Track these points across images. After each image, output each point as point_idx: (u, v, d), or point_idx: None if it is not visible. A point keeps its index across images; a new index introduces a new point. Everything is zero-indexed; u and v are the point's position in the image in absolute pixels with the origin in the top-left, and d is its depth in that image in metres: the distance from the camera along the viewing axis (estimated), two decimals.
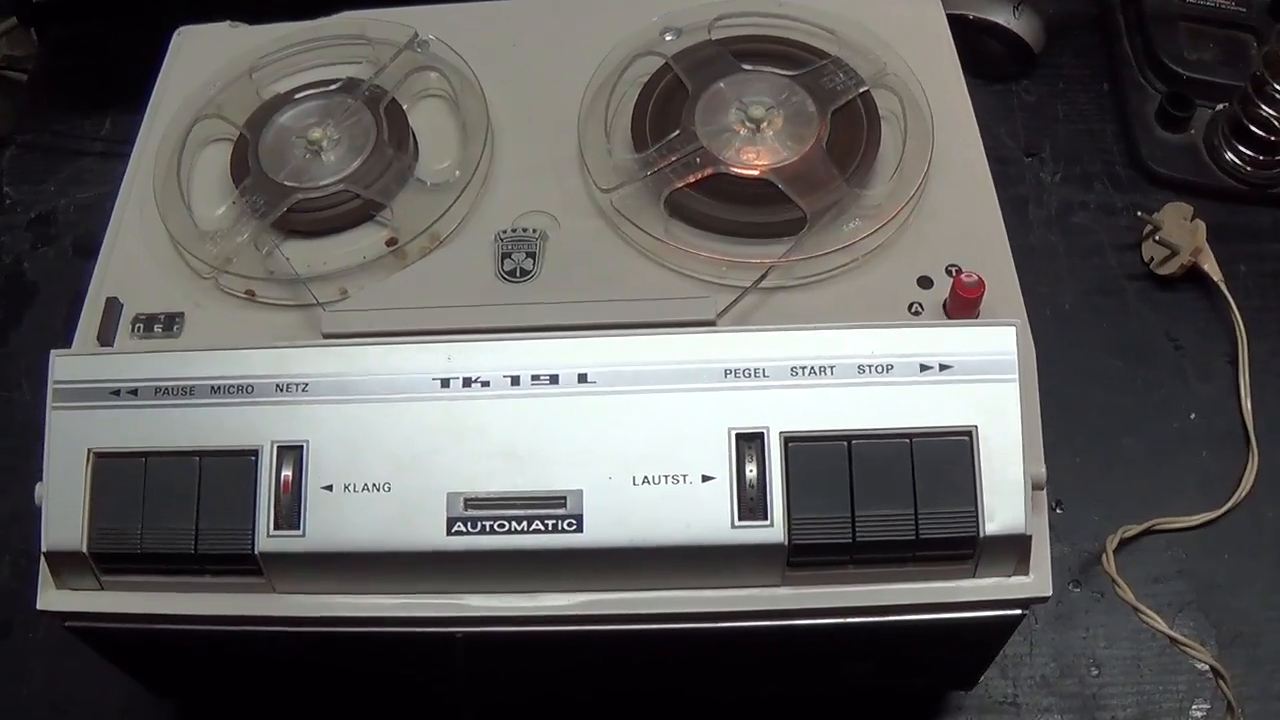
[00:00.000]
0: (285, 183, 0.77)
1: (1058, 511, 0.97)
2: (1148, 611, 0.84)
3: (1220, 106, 1.13)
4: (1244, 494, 0.98)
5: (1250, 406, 1.02)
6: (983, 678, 0.86)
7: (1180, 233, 1.05)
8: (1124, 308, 1.08)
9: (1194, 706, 0.92)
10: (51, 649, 0.93)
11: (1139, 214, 1.08)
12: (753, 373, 0.68)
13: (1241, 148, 1.11)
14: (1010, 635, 0.75)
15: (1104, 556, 0.89)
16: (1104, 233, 1.11)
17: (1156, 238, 1.06)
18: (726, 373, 0.68)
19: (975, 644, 0.77)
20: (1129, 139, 1.15)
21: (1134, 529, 0.96)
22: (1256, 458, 0.99)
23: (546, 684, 0.84)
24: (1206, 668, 0.85)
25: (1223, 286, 1.04)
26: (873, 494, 0.66)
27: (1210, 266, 1.05)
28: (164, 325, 0.75)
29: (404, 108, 0.83)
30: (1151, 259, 1.08)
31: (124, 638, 0.73)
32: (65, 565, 0.69)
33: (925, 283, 0.75)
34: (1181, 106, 1.13)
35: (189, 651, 0.77)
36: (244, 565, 0.67)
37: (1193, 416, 1.03)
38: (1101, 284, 1.09)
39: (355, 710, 0.91)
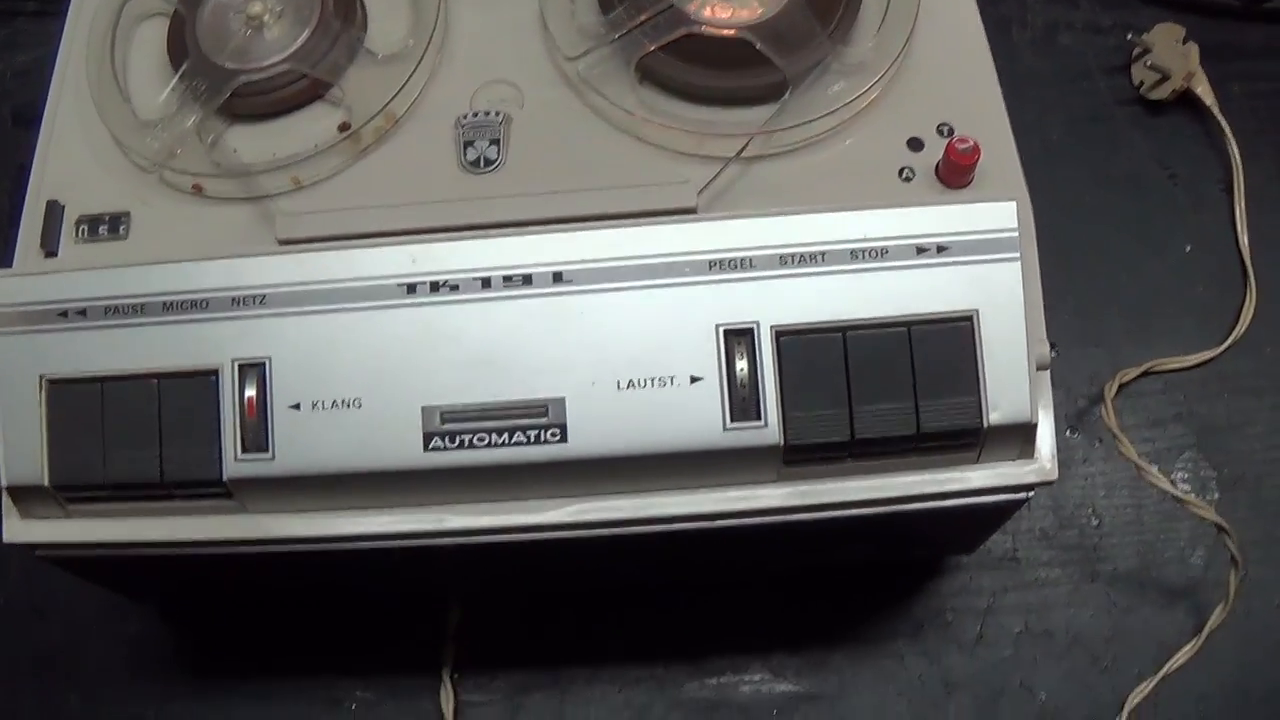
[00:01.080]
0: (227, 65, 0.71)
1: (1052, 355, 0.94)
2: (1149, 468, 0.82)
3: None
4: (1242, 331, 0.96)
5: (1247, 239, 0.99)
6: None
7: (1172, 56, 1.01)
8: (1114, 136, 1.03)
9: (1196, 554, 0.90)
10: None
11: (1129, 35, 1.03)
12: (739, 263, 0.64)
13: None
14: (1013, 515, 0.72)
15: (1103, 408, 0.86)
16: (1091, 55, 1.06)
17: (1147, 62, 1.01)
18: (711, 265, 0.64)
19: (978, 524, 0.75)
20: None
21: (1132, 372, 0.93)
22: (1254, 291, 0.97)
23: (540, 581, 0.82)
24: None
25: (1216, 111, 1.00)
26: (871, 387, 0.63)
27: (1203, 90, 1.01)
28: (109, 227, 0.70)
29: None
30: (1142, 83, 1.03)
31: (96, 562, 0.70)
32: (28, 498, 0.66)
33: (916, 145, 0.70)
34: None
35: (163, 572, 0.74)
36: (213, 490, 0.65)
37: (1188, 249, 1.00)
38: (1090, 111, 1.04)
39: (339, 599, 0.89)
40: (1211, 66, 1.02)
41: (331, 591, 0.84)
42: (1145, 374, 0.94)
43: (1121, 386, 0.92)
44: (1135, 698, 0.86)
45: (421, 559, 0.70)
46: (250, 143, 0.72)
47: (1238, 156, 0.99)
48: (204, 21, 0.73)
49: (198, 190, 0.71)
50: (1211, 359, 0.95)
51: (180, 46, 0.73)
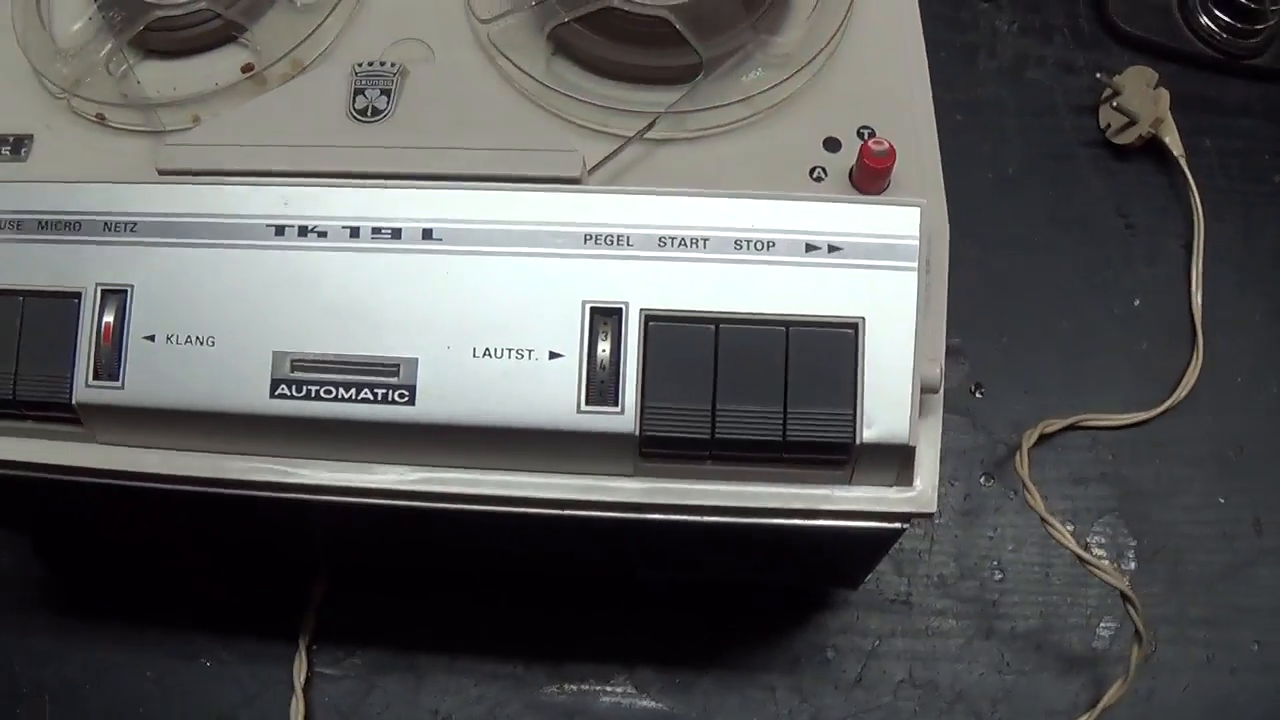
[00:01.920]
0: None
1: (977, 396, 0.91)
2: (1057, 525, 0.79)
3: None
4: (1184, 394, 0.93)
5: (1200, 299, 0.96)
6: (875, 571, 0.81)
7: (1141, 99, 0.98)
8: (1074, 176, 1.00)
9: (1102, 624, 0.87)
10: None
11: (1099, 75, 1.00)
12: (616, 240, 0.61)
13: (1219, 12, 1.03)
14: (891, 546, 0.70)
15: (1017, 455, 0.83)
16: (1059, 91, 1.03)
17: (1115, 103, 0.99)
18: (587, 238, 0.61)
19: (853, 553, 0.72)
20: None
21: (1057, 424, 0.90)
22: (1201, 355, 0.94)
23: (396, 551, 0.80)
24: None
25: (1183, 162, 0.98)
26: (738, 386, 0.60)
27: (1171, 139, 0.98)
28: (11, 148, 0.70)
29: None
30: (1109, 125, 1.00)
31: None
32: None
33: (832, 145, 0.67)
34: None
35: (19, 496, 0.73)
36: (62, 414, 0.63)
37: (1136, 303, 0.97)
38: (1051, 148, 1.01)
39: (208, 555, 0.87)
40: (1185, 118, 0.99)
41: (190, 541, 0.83)
42: (1072, 427, 0.91)
43: (1045, 437, 0.89)
44: None
45: (269, 513, 0.68)
46: (158, 78, 0.71)
47: (1201, 213, 0.96)
48: None
49: (101, 119, 0.70)
50: (1146, 420, 0.92)
51: None
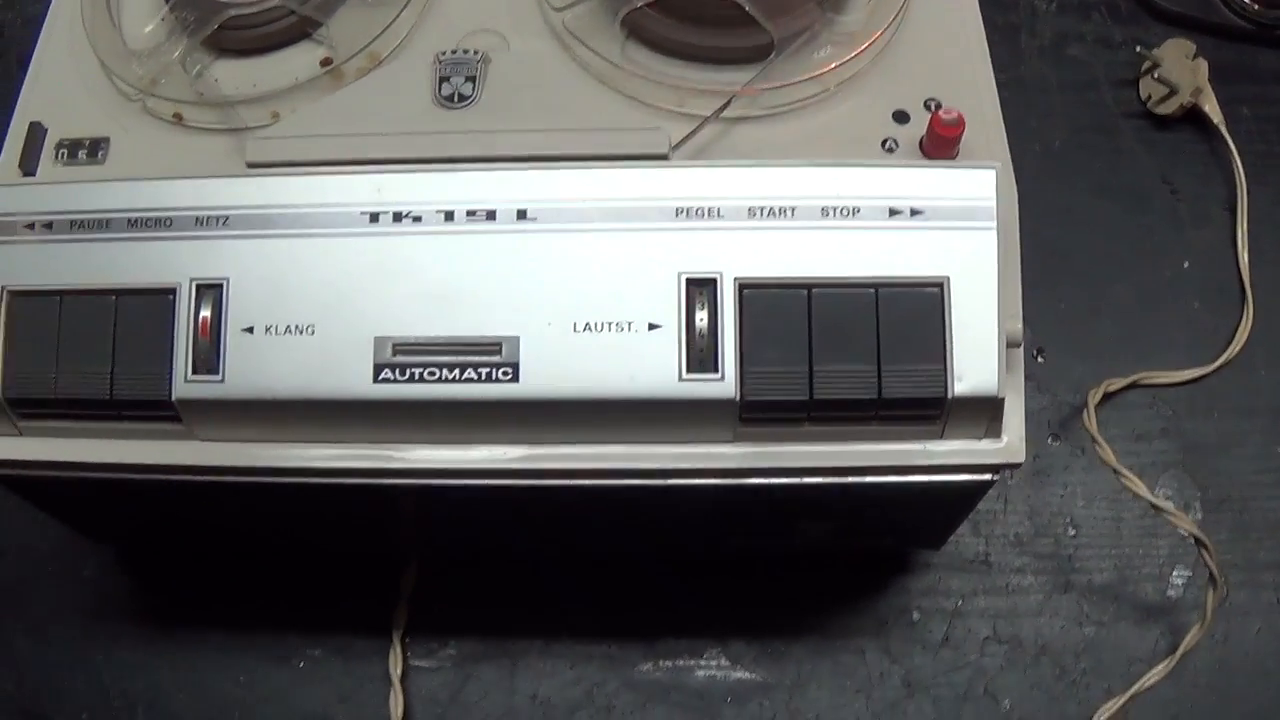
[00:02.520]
0: None
1: (1039, 360, 0.93)
2: (1129, 474, 0.80)
3: None
4: (1237, 350, 0.94)
5: (1247, 258, 0.97)
6: (954, 534, 0.82)
7: (1181, 70, 0.99)
8: (1118, 147, 1.02)
9: (1174, 573, 0.88)
10: None
11: (1138, 49, 1.02)
12: (706, 212, 0.63)
13: None
14: (979, 500, 0.71)
15: (1085, 412, 0.84)
16: (1100, 67, 1.05)
17: (1155, 75, 1.00)
18: (678, 212, 0.63)
19: (942, 507, 0.73)
20: None
21: (1118, 382, 0.91)
22: (1251, 311, 0.95)
23: (493, 533, 0.81)
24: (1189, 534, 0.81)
25: (1223, 129, 0.99)
26: (833, 348, 0.61)
27: (1211, 108, 0.99)
28: (89, 151, 0.70)
29: None
30: (1149, 97, 1.02)
31: (46, 485, 0.69)
32: None
33: (901, 117, 0.69)
34: None
35: (114, 500, 0.73)
36: (161, 411, 0.63)
37: (1186, 265, 0.98)
38: (1095, 121, 1.03)
39: (295, 553, 0.88)
40: (1222, 88, 1.01)
41: (285, 537, 0.83)
42: (1132, 386, 0.92)
43: (1107, 396, 0.90)
44: (1103, 714, 0.84)
45: (372, 500, 0.69)
46: (234, 76, 0.71)
47: (1243, 176, 0.98)
48: None
49: (178, 119, 0.70)
50: (1203, 376, 0.94)
51: None
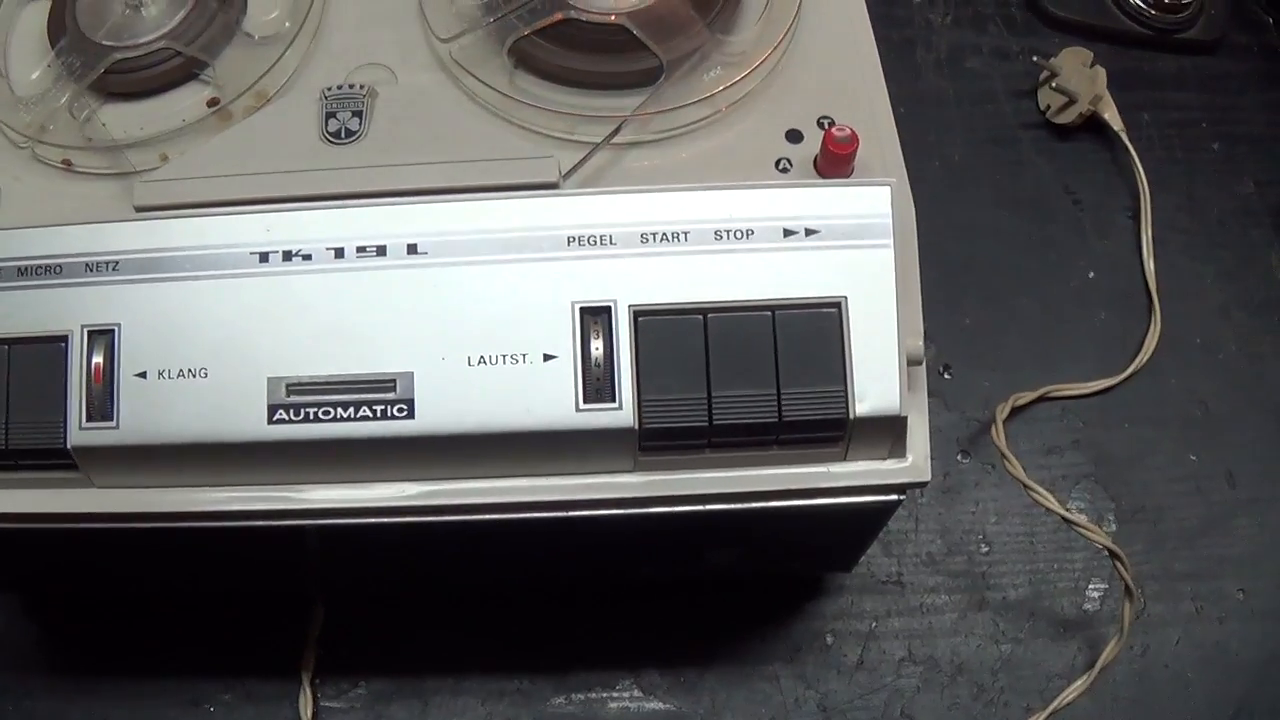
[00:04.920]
0: (103, 41, 0.70)
1: (946, 377, 0.93)
2: (1039, 490, 0.80)
3: None
4: (1146, 358, 0.95)
5: (1153, 265, 0.98)
6: (865, 555, 0.82)
7: (1079, 79, 1.00)
8: (1018, 159, 1.02)
9: (1090, 586, 0.88)
10: None
11: (1035, 59, 1.02)
12: (598, 240, 0.62)
13: None
14: (888, 520, 0.71)
15: (993, 428, 0.84)
16: (998, 79, 1.06)
17: (1054, 85, 1.01)
18: (570, 240, 0.62)
19: (851, 529, 0.73)
20: None
21: (1026, 396, 0.92)
22: (1159, 319, 0.96)
23: (398, 571, 0.80)
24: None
25: (1124, 137, 1.00)
26: (731, 372, 0.61)
27: (1111, 115, 1.00)
28: None
29: None
30: (1048, 107, 1.02)
31: None
32: None
33: (794, 137, 0.69)
34: None
35: (14, 551, 0.72)
36: (57, 459, 0.62)
37: (1091, 275, 0.99)
38: (995, 133, 1.04)
39: (202, 596, 0.87)
40: (1121, 95, 1.01)
41: (190, 581, 0.82)
42: (1042, 399, 0.92)
43: (1016, 410, 0.91)
44: None
45: (274, 542, 0.68)
46: (122, 120, 0.70)
47: (1145, 183, 0.99)
48: (84, 1, 0.72)
49: (68, 165, 0.69)
50: (1112, 387, 0.94)
51: (59, 24, 0.72)
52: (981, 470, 0.91)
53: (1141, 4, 1.05)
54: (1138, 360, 0.95)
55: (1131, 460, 0.93)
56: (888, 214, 0.63)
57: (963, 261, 0.95)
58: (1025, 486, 0.80)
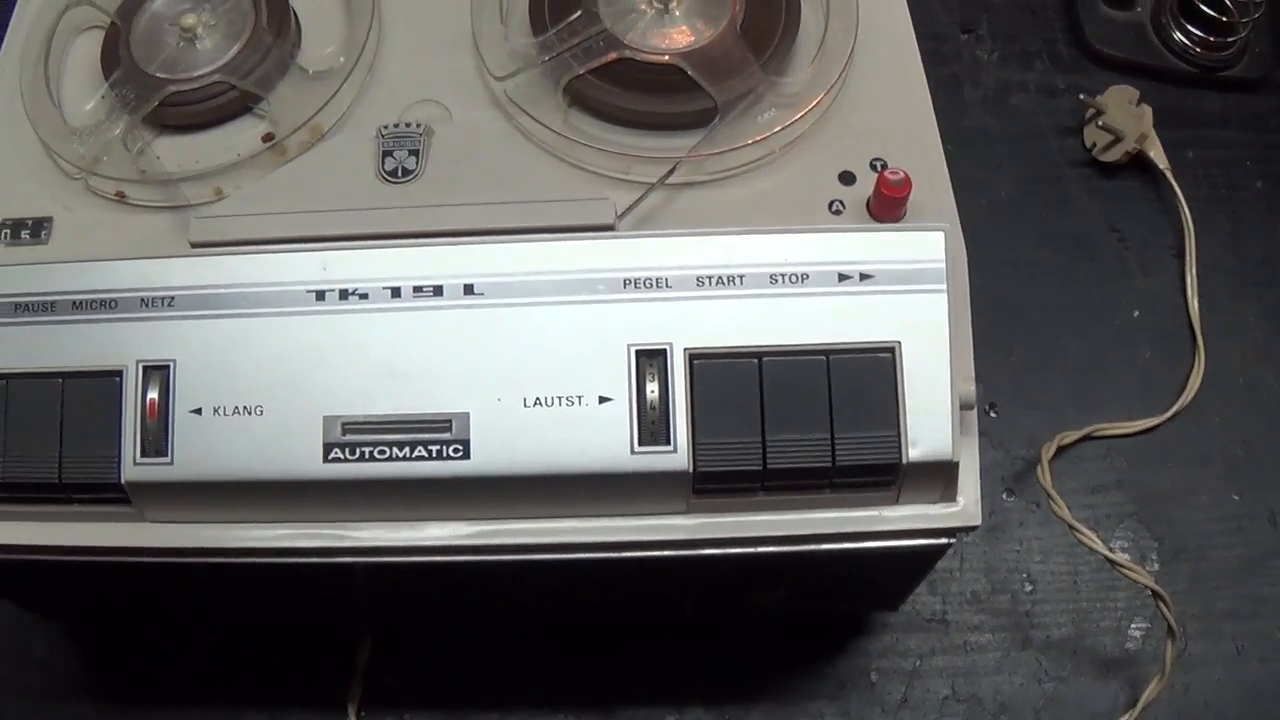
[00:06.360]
0: (157, 74, 0.71)
1: (991, 415, 0.93)
2: (1084, 530, 0.80)
3: None
4: (1189, 398, 0.94)
5: (1197, 304, 0.97)
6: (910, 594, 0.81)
7: (1125, 117, 1.00)
8: (1064, 196, 1.02)
9: (1133, 625, 0.88)
10: None
11: (1081, 96, 1.02)
12: (655, 283, 0.62)
13: (1190, 27, 1.05)
14: (936, 562, 0.71)
15: (1039, 468, 0.84)
16: (1044, 116, 1.05)
17: (1100, 122, 1.00)
18: (626, 283, 0.62)
19: (899, 571, 0.73)
20: (1071, 15, 1.09)
21: (1072, 435, 0.91)
22: (1203, 359, 0.95)
23: (447, 606, 0.80)
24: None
25: (1169, 175, 0.99)
26: (785, 416, 0.61)
27: (1156, 154, 1.00)
28: (31, 231, 0.69)
29: None
30: (1094, 145, 1.02)
31: None
32: None
33: (847, 178, 0.69)
34: None
35: (65, 582, 0.73)
36: (111, 494, 0.62)
37: (1136, 314, 0.98)
38: (1041, 171, 1.03)
39: (248, 628, 0.87)
40: (1166, 133, 1.01)
41: (238, 614, 0.82)
42: (1086, 438, 0.92)
43: (1061, 449, 0.90)
44: None
45: (324, 578, 0.68)
46: (176, 153, 0.71)
47: (1190, 222, 0.98)
48: (138, 32, 0.73)
49: (121, 197, 0.69)
50: (1156, 426, 0.94)
51: (113, 56, 0.72)
52: (1026, 509, 0.91)
53: (1187, 42, 1.05)
54: (1181, 399, 0.94)
55: (1174, 499, 0.92)
56: (942, 259, 0.63)
57: (1008, 299, 0.95)
58: (1071, 528, 0.80)
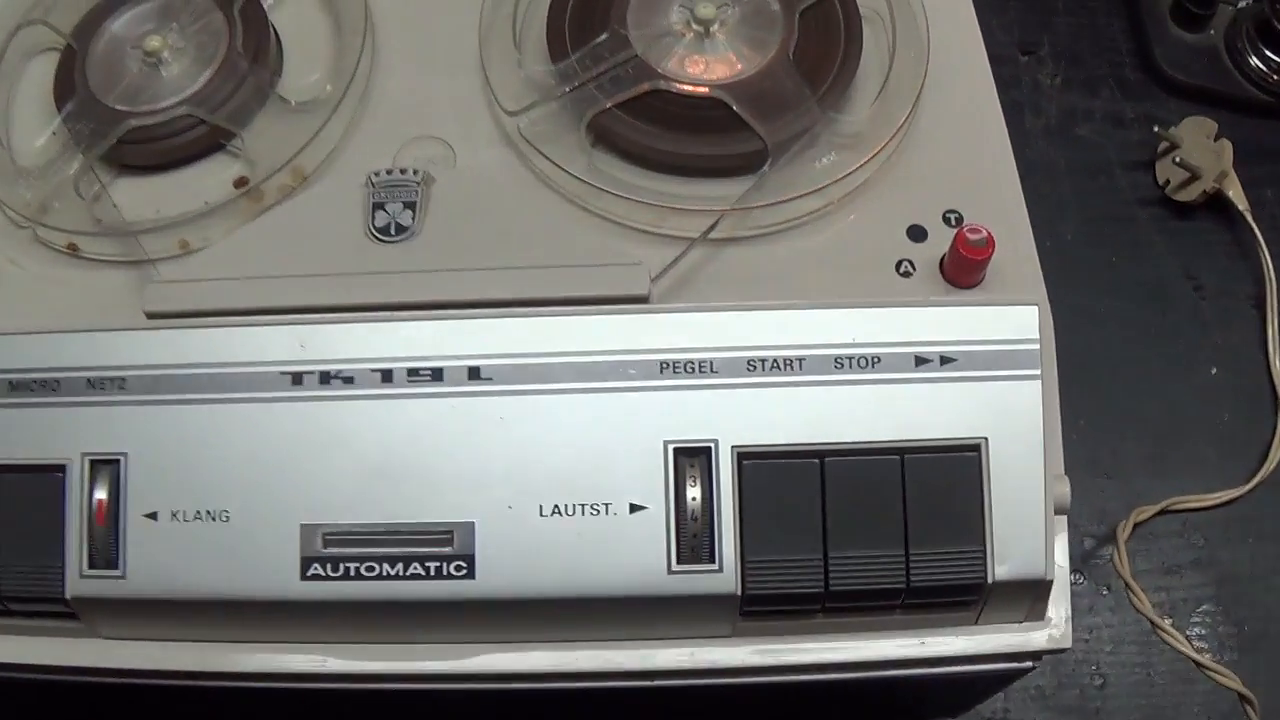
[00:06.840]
0: (116, 106, 0.64)
1: None
2: (1170, 630, 0.74)
3: (1243, 3, 0.99)
4: (1272, 467, 0.87)
5: (1279, 361, 0.90)
6: None
7: (1203, 153, 0.92)
8: (1135, 239, 0.95)
9: None
10: None
11: (1155, 129, 0.95)
12: (697, 366, 0.55)
13: (1268, 52, 0.98)
14: (1014, 681, 0.62)
15: (1114, 552, 0.77)
16: (1112, 148, 0.98)
17: (1176, 158, 0.93)
18: (663, 366, 0.55)
19: (970, 691, 0.65)
20: (1140, 37, 1.02)
21: (1147, 511, 0.84)
22: None
23: None
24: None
25: (1249, 217, 0.92)
26: (851, 528, 0.54)
27: (1236, 194, 0.92)
28: None
29: (264, 5, 0.68)
30: (1168, 182, 0.95)
31: None
32: None
33: (918, 234, 0.61)
34: (1200, 2, 0.99)
35: (13, 697, 0.69)
36: (56, 609, 0.57)
37: (1214, 371, 0.91)
38: (1109, 209, 0.96)
39: None
40: (1243, 169, 0.93)
41: None
42: (1161, 512, 0.85)
43: (1135, 526, 0.82)
44: None
45: (301, 705, 0.62)
46: (137, 198, 0.64)
47: (1271, 270, 0.91)
48: (95, 56, 0.66)
49: (73, 250, 0.63)
50: (1237, 498, 0.86)
51: (68, 84, 0.66)
52: (1095, 593, 0.85)
53: (1264, 68, 0.97)
54: (1265, 468, 0.87)
55: (1256, 580, 0.85)
56: (1035, 339, 0.57)
57: (1075, 354, 0.86)
58: (1154, 626, 0.74)
